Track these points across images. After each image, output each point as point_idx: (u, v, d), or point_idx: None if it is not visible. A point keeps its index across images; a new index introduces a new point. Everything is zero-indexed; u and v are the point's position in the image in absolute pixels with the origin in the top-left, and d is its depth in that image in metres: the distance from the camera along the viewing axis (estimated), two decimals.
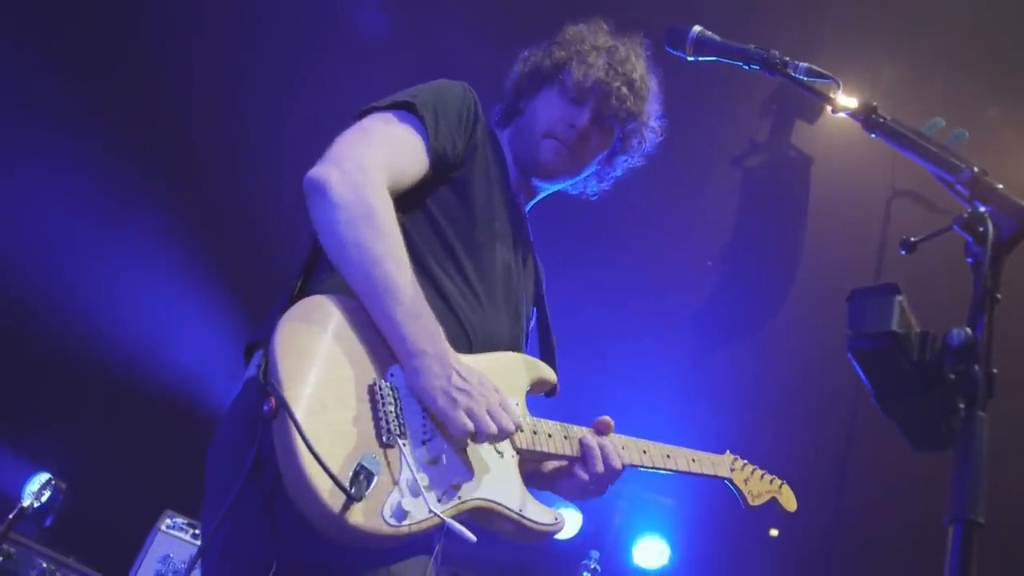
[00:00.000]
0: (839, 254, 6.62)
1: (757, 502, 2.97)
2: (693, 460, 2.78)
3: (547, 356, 2.76)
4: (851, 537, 7.04)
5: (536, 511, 2.26)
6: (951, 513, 1.40)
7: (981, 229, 1.53)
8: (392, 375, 2.13)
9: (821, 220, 6.74)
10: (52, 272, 6.27)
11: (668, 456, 2.70)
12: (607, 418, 2.57)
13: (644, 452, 2.62)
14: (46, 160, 6.01)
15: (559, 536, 7.81)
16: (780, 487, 3.06)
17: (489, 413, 2.13)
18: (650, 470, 2.66)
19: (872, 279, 6.49)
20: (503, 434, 2.16)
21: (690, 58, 2.37)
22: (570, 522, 7.01)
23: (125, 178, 6.14)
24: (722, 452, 2.97)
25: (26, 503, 5.12)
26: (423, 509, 1.99)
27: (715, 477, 2.85)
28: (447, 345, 2.17)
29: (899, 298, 1.47)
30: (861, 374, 1.51)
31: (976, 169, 1.64)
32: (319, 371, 2.02)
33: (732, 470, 2.92)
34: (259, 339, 2.21)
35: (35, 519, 5.25)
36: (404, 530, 1.97)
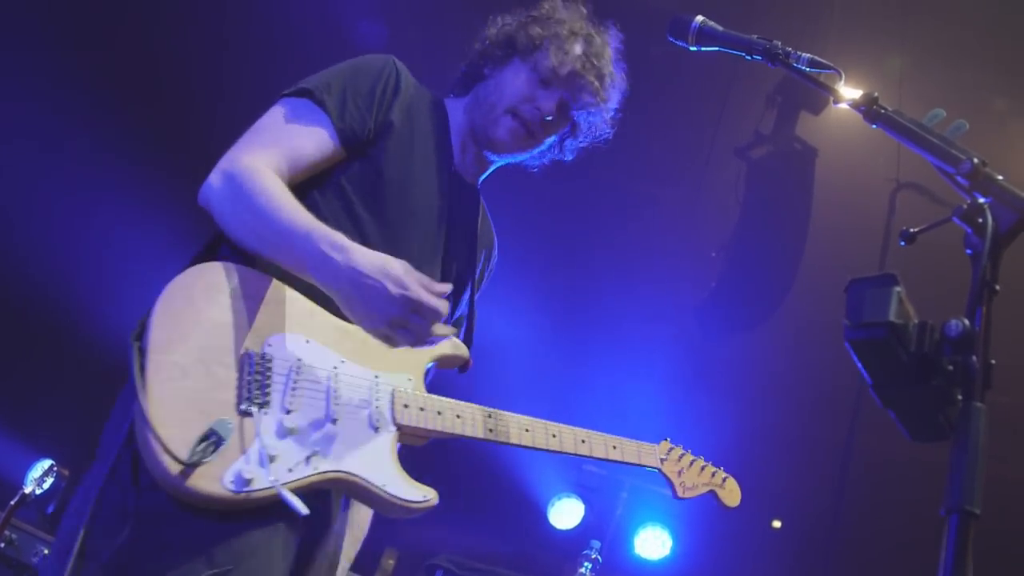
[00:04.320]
0: (843, 245, 6.61)
1: (689, 494, 2.87)
2: (614, 447, 2.69)
3: (464, 332, 2.74)
4: (852, 527, 7.05)
5: (403, 487, 2.23)
6: (947, 504, 1.40)
7: (980, 220, 1.53)
8: (270, 345, 2.15)
9: (825, 211, 6.73)
10: (61, 259, 6.28)
11: (583, 441, 2.62)
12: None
13: (553, 436, 2.56)
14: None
15: (560, 526, 7.81)
16: (723, 481, 2.96)
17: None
18: (561, 454, 2.59)
19: (877, 270, 6.47)
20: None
21: (692, 48, 2.36)
22: (572, 512, 7.02)
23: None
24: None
25: (28, 490, 5.14)
26: (264, 479, 2.01)
27: (639, 466, 2.76)
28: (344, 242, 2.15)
29: (897, 288, 1.47)
30: (859, 364, 1.50)
31: (976, 160, 1.63)
32: (190, 338, 2.07)
33: (664, 460, 2.82)
34: None
35: (37, 506, 5.27)
36: (243, 496, 1.98)
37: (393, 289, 2.09)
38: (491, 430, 2.45)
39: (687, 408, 6.92)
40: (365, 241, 2.32)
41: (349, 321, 2.23)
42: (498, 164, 2.81)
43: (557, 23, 2.72)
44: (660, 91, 6.44)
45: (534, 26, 2.72)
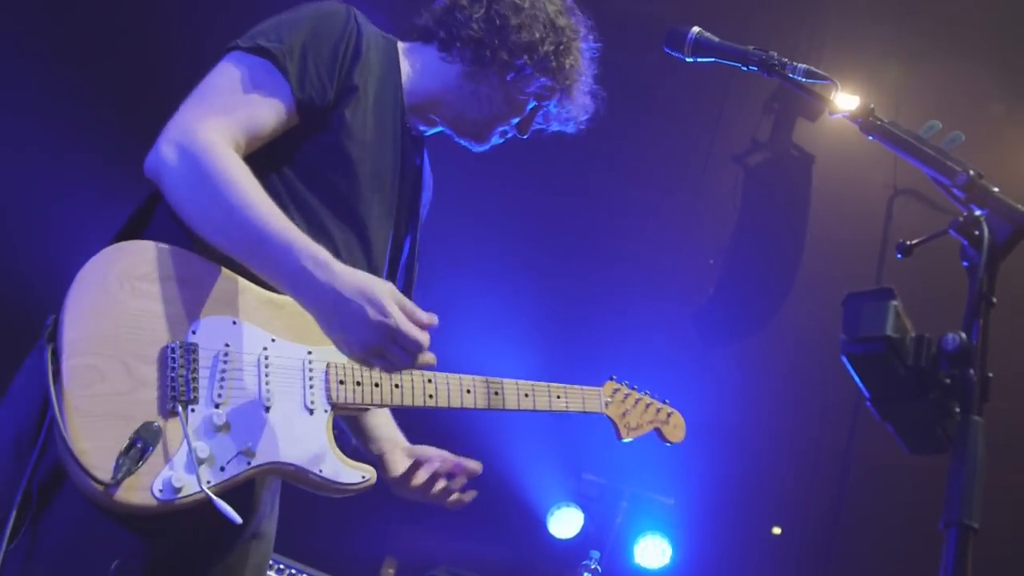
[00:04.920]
0: (841, 251, 6.62)
1: (633, 435, 2.82)
2: (558, 397, 2.60)
3: (405, 291, 2.64)
4: (852, 536, 7.04)
5: (338, 470, 2.17)
6: (946, 517, 1.40)
7: (977, 233, 1.53)
8: (194, 332, 2.04)
9: (823, 218, 6.74)
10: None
11: (526, 395, 2.54)
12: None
13: (496, 394, 2.47)
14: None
15: (560, 535, 7.78)
16: (668, 416, 2.91)
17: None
18: (505, 411, 2.53)
19: (874, 277, 6.49)
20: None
21: (689, 59, 2.36)
22: (571, 522, 7.01)
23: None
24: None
25: None
26: (195, 485, 1.95)
27: (585, 412, 2.69)
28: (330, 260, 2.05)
29: (894, 302, 1.47)
30: (856, 379, 1.51)
31: (972, 172, 1.63)
32: (106, 334, 1.95)
33: (609, 403, 2.76)
34: None
35: None
36: (178, 504, 1.94)
37: (373, 315, 1.99)
38: (431, 396, 2.37)
39: (687, 415, 6.90)
40: (320, 215, 2.26)
41: (282, 294, 2.15)
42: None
43: (577, 65, 2.62)
44: (657, 98, 6.45)
45: (563, 55, 2.58)
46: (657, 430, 2.89)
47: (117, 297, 1.99)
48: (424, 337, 2.05)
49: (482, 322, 6.60)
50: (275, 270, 2.06)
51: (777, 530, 7.42)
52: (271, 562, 4.41)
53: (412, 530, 7.32)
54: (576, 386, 2.67)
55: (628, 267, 6.95)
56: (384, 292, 2.03)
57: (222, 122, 2.13)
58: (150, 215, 2.20)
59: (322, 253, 2.04)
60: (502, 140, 2.70)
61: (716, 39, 2.33)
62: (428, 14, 2.65)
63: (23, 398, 2.04)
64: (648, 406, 2.87)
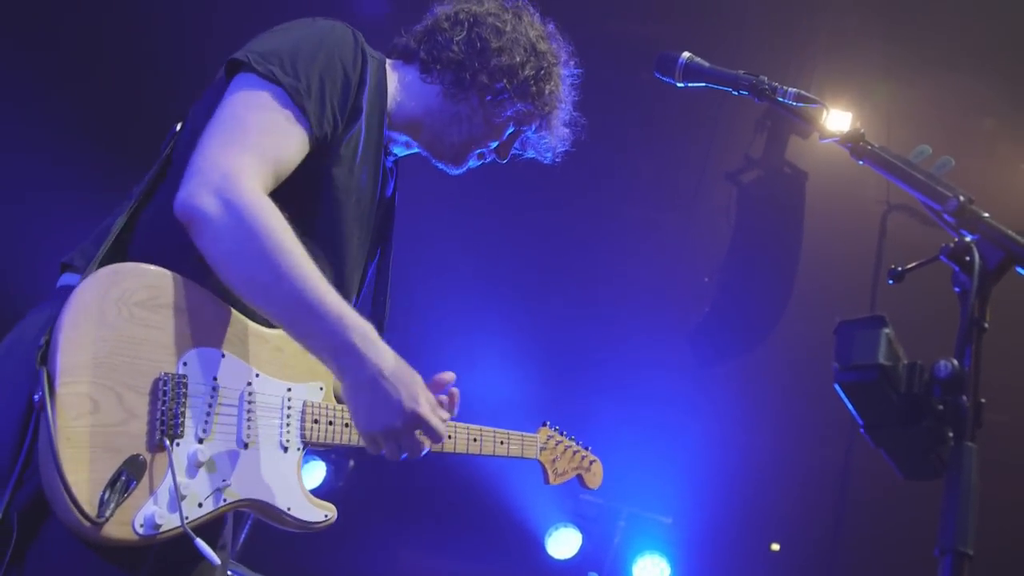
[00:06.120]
0: (835, 268, 6.64)
1: (559, 480, 2.99)
2: (501, 443, 2.76)
3: (376, 318, 2.66)
4: (851, 551, 7.03)
5: (304, 510, 2.25)
6: (941, 544, 1.40)
7: (968, 258, 1.54)
8: (185, 363, 2.05)
9: (817, 235, 6.76)
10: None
11: (475, 440, 2.67)
12: None
13: (449, 437, 2.57)
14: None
15: (558, 556, 7.75)
16: (590, 464, 3.08)
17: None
18: (455, 454, 2.66)
19: (868, 293, 6.50)
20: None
21: (680, 84, 2.37)
22: (569, 542, 6.99)
23: None
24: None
25: None
26: (175, 520, 1.97)
27: (523, 458, 2.87)
28: (380, 345, 2.11)
29: (886, 330, 1.48)
30: (849, 406, 1.51)
31: (962, 198, 1.65)
32: (102, 361, 1.93)
33: (543, 449, 2.93)
34: (74, 264, 2.16)
35: None
36: (156, 539, 1.96)
37: (408, 403, 2.09)
38: None
39: (684, 434, 6.91)
40: (313, 237, 2.25)
41: (268, 326, 2.20)
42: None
43: (558, 94, 2.65)
44: (650, 117, 6.47)
45: (545, 85, 2.61)
46: (579, 476, 3.06)
47: (114, 323, 1.96)
48: (444, 431, 2.18)
49: (474, 341, 6.60)
50: (321, 341, 2.09)
51: (776, 546, 7.40)
52: None
53: (411, 552, 7.31)
54: (517, 432, 2.83)
55: (623, 285, 6.96)
56: (419, 382, 2.13)
57: (259, 169, 2.10)
58: (132, 231, 2.18)
59: (369, 329, 2.09)
60: (479, 163, 2.71)
61: (706, 64, 2.34)
62: (409, 35, 2.66)
63: (4, 418, 1.95)
64: (575, 453, 3.04)
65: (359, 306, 2.61)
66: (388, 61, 2.60)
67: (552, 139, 2.70)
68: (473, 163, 2.69)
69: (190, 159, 2.09)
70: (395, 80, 2.58)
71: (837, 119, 2.10)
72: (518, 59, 2.56)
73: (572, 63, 2.73)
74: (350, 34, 2.37)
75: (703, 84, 2.35)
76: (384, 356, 2.09)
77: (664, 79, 2.39)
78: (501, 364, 6.68)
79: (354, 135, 2.35)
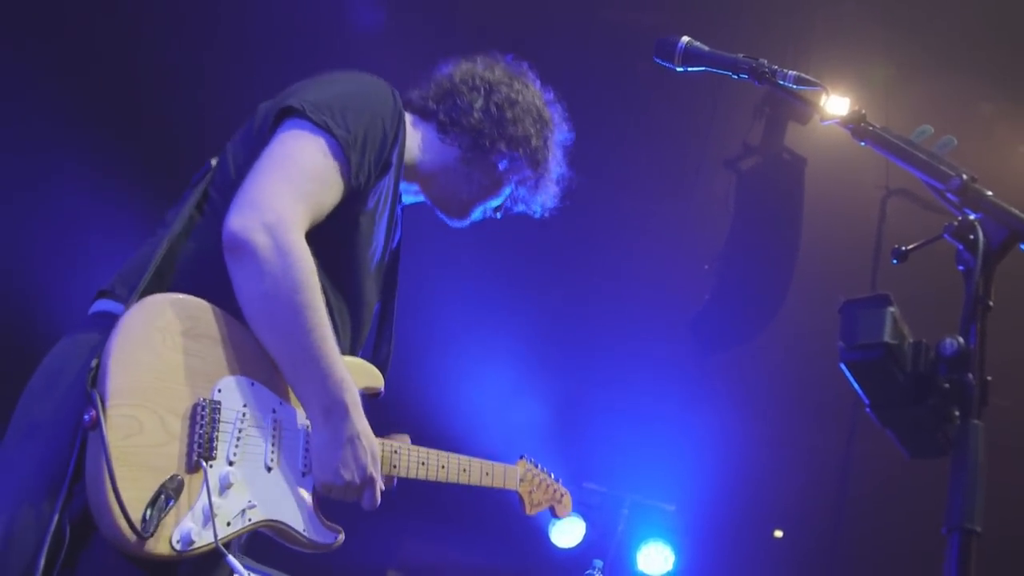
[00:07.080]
0: (836, 253, 6.63)
1: (535, 511, 3.19)
2: (487, 473, 2.94)
3: (380, 356, 2.80)
4: (855, 535, 7.04)
5: (317, 531, 2.38)
6: (948, 522, 1.40)
7: (971, 237, 1.54)
8: (219, 391, 2.19)
9: (817, 220, 6.75)
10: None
11: (464, 470, 2.84)
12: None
13: (443, 467, 2.77)
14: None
15: (563, 545, 7.75)
16: (561, 497, 3.28)
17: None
18: (445, 483, 2.83)
19: (869, 278, 6.50)
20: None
21: (679, 69, 2.36)
22: (573, 531, 7.00)
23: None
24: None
25: None
26: (209, 536, 2.10)
27: (505, 488, 3.04)
28: (360, 414, 2.32)
29: (891, 308, 1.47)
30: (855, 385, 1.51)
31: (965, 176, 1.64)
32: (147, 386, 2.07)
33: (522, 480, 3.10)
34: (115, 292, 2.29)
35: None
36: (190, 553, 2.08)
37: (370, 467, 2.32)
38: (395, 466, 2.60)
39: (685, 422, 6.92)
40: (331, 276, 2.41)
41: None
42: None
43: (552, 161, 2.88)
44: (648, 105, 6.46)
45: (545, 151, 2.84)
46: (552, 507, 3.26)
47: (159, 351, 2.10)
48: (377, 501, 2.40)
49: (476, 331, 6.60)
50: (319, 395, 2.27)
51: (779, 533, 7.42)
52: None
53: (414, 542, 7.32)
54: (500, 464, 3.01)
55: (623, 274, 6.95)
56: (378, 451, 2.39)
57: (307, 217, 2.26)
58: (173, 264, 2.31)
59: (358, 395, 2.33)
60: (481, 218, 2.92)
61: (706, 48, 2.33)
62: (426, 94, 2.80)
63: (54, 435, 2.10)
64: (548, 486, 3.22)
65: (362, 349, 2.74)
66: (408, 116, 2.71)
67: (546, 197, 2.93)
68: (476, 217, 2.89)
69: (243, 186, 2.24)
70: (415, 136, 2.73)
71: (836, 103, 2.09)
72: (531, 129, 2.77)
73: (566, 126, 2.94)
74: (391, 94, 2.52)
75: (703, 68, 2.34)
76: (364, 421, 2.32)
77: (664, 64, 2.38)
78: (502, 355, 6.68)
79: (381, 187, 2.50)
